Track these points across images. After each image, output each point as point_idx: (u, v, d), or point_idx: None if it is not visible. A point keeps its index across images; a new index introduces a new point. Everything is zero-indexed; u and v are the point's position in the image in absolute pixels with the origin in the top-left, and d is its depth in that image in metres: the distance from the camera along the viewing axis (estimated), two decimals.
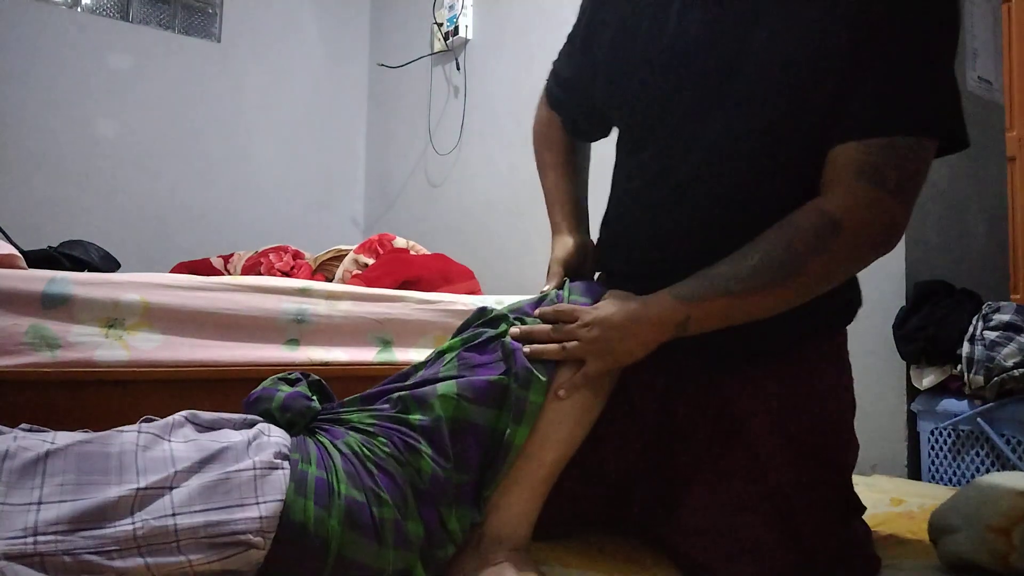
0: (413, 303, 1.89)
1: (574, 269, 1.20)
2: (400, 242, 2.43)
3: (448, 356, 1.06)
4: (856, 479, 1.16)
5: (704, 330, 0.96)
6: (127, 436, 0.88)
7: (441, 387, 1.00)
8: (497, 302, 1.70)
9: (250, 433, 0.93)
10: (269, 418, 0.99)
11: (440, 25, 3.52)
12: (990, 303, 1.88)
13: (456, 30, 3.41)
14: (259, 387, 1.05)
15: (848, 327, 2.08)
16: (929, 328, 1.87)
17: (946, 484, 1.86)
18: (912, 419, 1.96)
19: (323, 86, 4.13)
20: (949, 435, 1.87)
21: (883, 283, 2.02)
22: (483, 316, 1.11)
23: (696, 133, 1.02)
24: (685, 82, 1.03)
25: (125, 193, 3.48)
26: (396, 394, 1.03)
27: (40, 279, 1.49)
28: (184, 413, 0.96)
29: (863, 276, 2.03)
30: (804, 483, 1.03)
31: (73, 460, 0.83)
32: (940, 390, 1.89)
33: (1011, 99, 3.23)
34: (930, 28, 0.93)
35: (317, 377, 1.12)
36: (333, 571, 0.88)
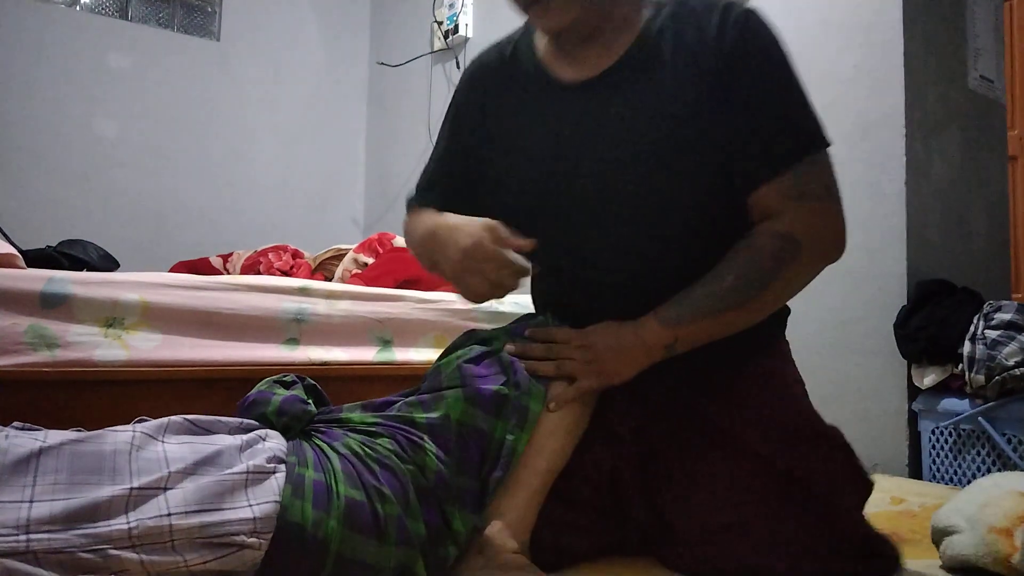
0: (413, 302, 1.89)
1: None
2: (400, 241, 2.42)
3: (446, 370, 1.07)
4: None
5: (689, 348, 1.04)
6: (121, 436, 0.88)
7: (450, 392, 1.03)
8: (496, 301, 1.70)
9: (245, 437, 0.93)
10: (265, 422, 0.99)
11: (440, 24, 3.51)
12: (991, 302, 1.88)
13: (456, 28, 3.41)
14: (254, 390, 1.05)
15: (848, 327, 2.08)
16: (930, 327, 1.86)
17: (947, 483, 1.86)
18: (913, 418, 1.96)
19: (323, 84, 4.13)
20: (950, 434, 1.87)
21: (884, 282, 2.02)
22: (472, 337, 1.15)
23: (596, 219, 1.11)
24: (581, 175, 1.11)
25: (124, 192, 3.48)
26: (400, 401, 1.06)
27: (39, 279, 1.48)
28: (179, 416, 0.96)
29: (863, 276, 2.04)
30: (805, 458, 1.07)
31: (66, 459, 0.82)
32: (941, 389, 1.89)
33: (1013, 98, 3.23)
34: (778, 58, 1.06)
35: (312, 381, 1.12)
36: (333, 571, 0.88)
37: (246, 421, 0.99)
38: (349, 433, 1.00)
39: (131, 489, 0.81)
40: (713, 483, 1.07)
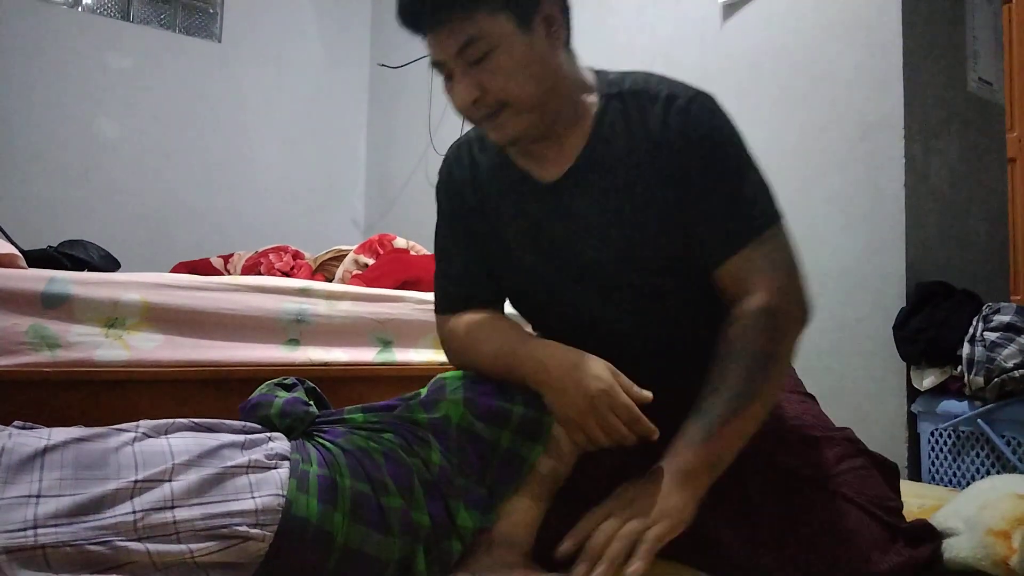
0: (413, 303, 1.89)
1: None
2: (400, 242, 2.43)
3: (449, 379, 1.09)
4: None
5: (730, 461, 1.00)
6: (125, 433, 0.89)
7: (450, 395, 1.05)
8: None
9: (249, 436, 0.93)
10: (268, 424, 0.99)
11: None
12: (990, 304, 1.88)
13: None
14: (255, 393, 1.06)
15: (847, 329, 2.08)
16: (929, 329, 1.87)
17: (946, 485, 1.86)
18: (912, 420, 1.96)
19: (323, 86, 4.13)
20: (949, 436, 1.87)
21: (883, 284, 2.02)
22: None
23: (589, 307, 1.14)
24: (568, 270, 1.14)
25: (125, 193, 3.48)
26: (402, 404, 1.07)
27: (40, 279, 1.49)
28: (183, 419, 0.97)
29: (862, 277, 2.04)
30: (835, 460, 1.09)
31: (71, 456, 0.83)
32: (940, 391, 1.89)
33: (1011, 100, 3.23)
34: (723, 142, 1.07)
35: (312, 384, 1.12)
36: (339, 563, 0.89)
37: (249, 424, 0.99)
38: (353, 431, 1.01)
39: (135, 482, 0.82)
40: (726, 484, 1.08)
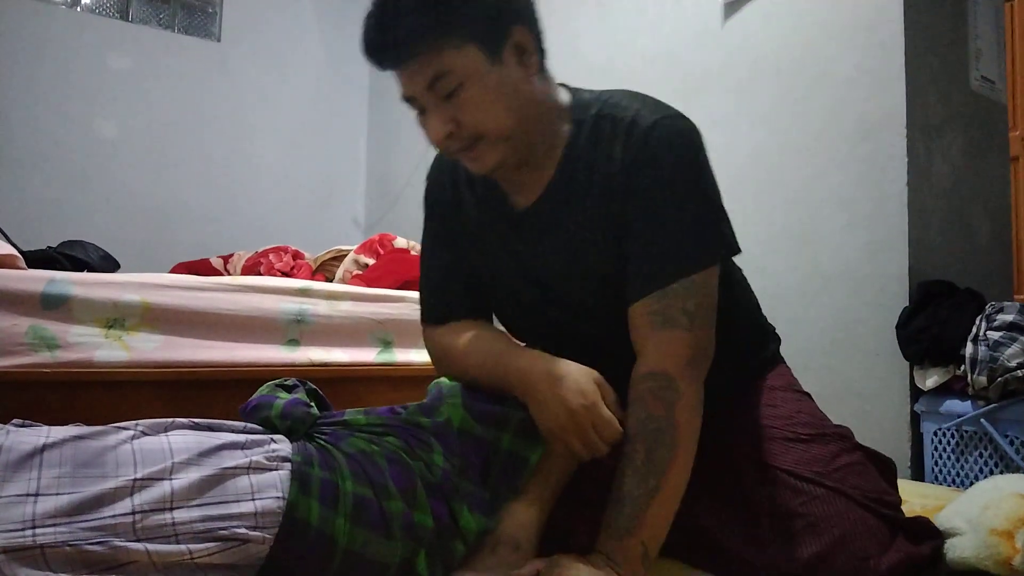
0: (414, 304, 1.88)
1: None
2: (401, 242, 2.42)
3: (446, 386, 1.11)
4: None
5: (661, 540, 0.98)
6: (124, 432, 0.88)
7: (450, 399, 1.06)
8: None
9: (250, 437, 0.93)
10: (268, 426, 0.99)
11: None
12: (993, 303, 1.87)
13: None
14: (256, 395, 1.05)
15: (850, 329, 2.08)
16: (932, 328, 1.86)
17: (949, 485, 1.85)
18: (915, 420, 1.95)
19: (324, 85, 4.13)
20: (952, 436, 1.86)
21: (886, 283, 2.02)
22: None
23: (564, 326, 1.15)
24: (548, 296, 1.14)
25: (125, 193, 3.48)
26: (403, 411, 1.08)
27: (40, 279, 1.48)
28: (183, 419, 0.96)
29: (865, 277, 2.03)
30: (830, 457, 1.09)
31: (69, 453, 0.82)
32: (943, 391, 1.89)
33: (1014, 98, 3.22)
34: (671, 174, 1.03)
35: (313, 385, 1.12)
36: (340, 566, 0.89)
37: (250, 425, 0.99)
38: (355, 433, 1.01)
39: (135, 480, 0.81)
40: (724, 483, 1.08)
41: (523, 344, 1.23)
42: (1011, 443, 1.76)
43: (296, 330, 1.73)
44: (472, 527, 0.99)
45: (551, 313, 1.15)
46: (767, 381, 1.21)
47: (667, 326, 1.01)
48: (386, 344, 1.84)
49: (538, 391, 1.02)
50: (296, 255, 2.61)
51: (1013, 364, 1.72)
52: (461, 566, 0.99)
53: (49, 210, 3.24)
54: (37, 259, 1.86)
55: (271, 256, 2.59)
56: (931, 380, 1.89)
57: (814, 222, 2.18)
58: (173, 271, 2.55)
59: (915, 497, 1.52)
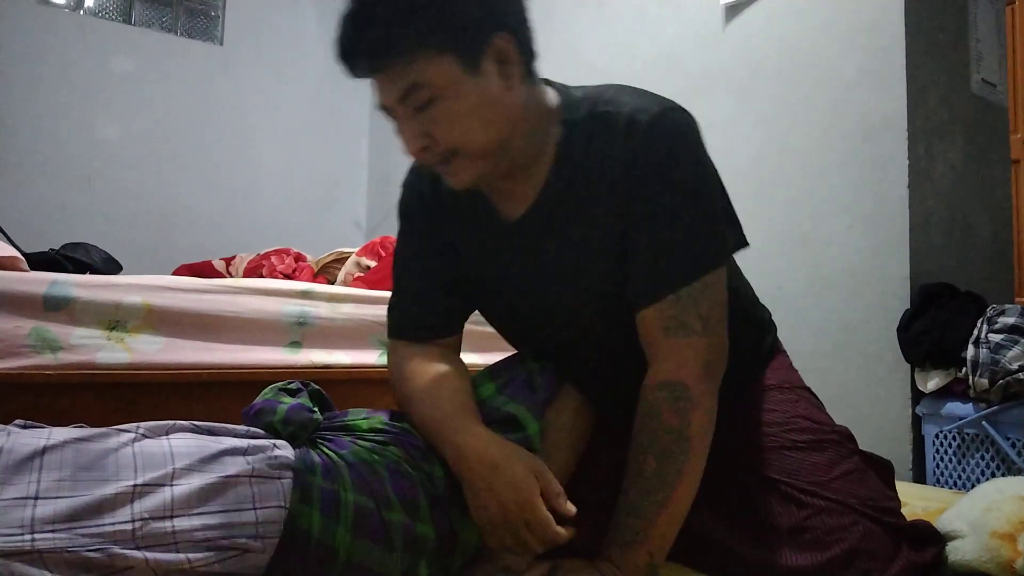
0: None
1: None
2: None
3: None
4: None
5: (666, 551, 0.97)
6: (125, 435, 0.87)
7: None
8: None
9: (252, 442, 0.93)
10: (271, 431, 0.99)
11: None
12: (995, 306, 1.87)
13: None
14: (259, 398, 1.05)
15: (851, 331, 2.08)
16: (934, 331, 1.86)
17: (951, 488, 1.85)
18: (917, 422, 1.95)
19: (325, 88, 4.13)
20: (954, 438, 1.86)
21: (887, 286, 2.02)
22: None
23: (560, 339, 1.12)
24: (538, 307, 1.11)
25: (127, 195, 3.48)
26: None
27: (42, 281, 1.48)
28: (184, 421, 0.96)
29: (866, 279, 2.03)
30: (831, 460, 1.08)
31: (70, 456, 0.82)
32: (945, 393, 1.89)
33: (1015, 101, 3.22)
34: (674, 172, 0.98)
35: (317, 387, 1.11)
36: None
37: (252, 429, 0.98)
38: (357, 441, 1.00)
39: (135, 486, 0.81)
40: (728, 490, 1.08)
41: (520, 345, 1.22)
42: (1012, 445, 1.76)
43: (298, 332, 1.73)
44: (473, 540, 0.99)
45: (549, 324, 1.11)
46: (765, 379, 1.19)
47: (681, 333, 0.97)
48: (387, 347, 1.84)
49: (471, 478, 0.95)
50: (298, 257, 2.62)
51: (1014, 367, 1.72)
52: (462, 572, 0.99)
53: (51, 212, 3.24)
54: (40, 261, 1.87)
55: (273, 258, 2.59)
56: (932, 383, 1.89)
57: (815, 224, 2.18)
58: (175, 273, 2.56)
59: (916, 500, 1.52)
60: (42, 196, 3.27)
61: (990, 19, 2.34)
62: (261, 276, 2.47)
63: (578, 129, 1.02)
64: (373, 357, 1.81)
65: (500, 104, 0.96)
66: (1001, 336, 1.77)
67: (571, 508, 0.94)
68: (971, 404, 1.83)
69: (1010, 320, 1.79)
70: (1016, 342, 1.75)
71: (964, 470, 1.85)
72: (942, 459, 1.89)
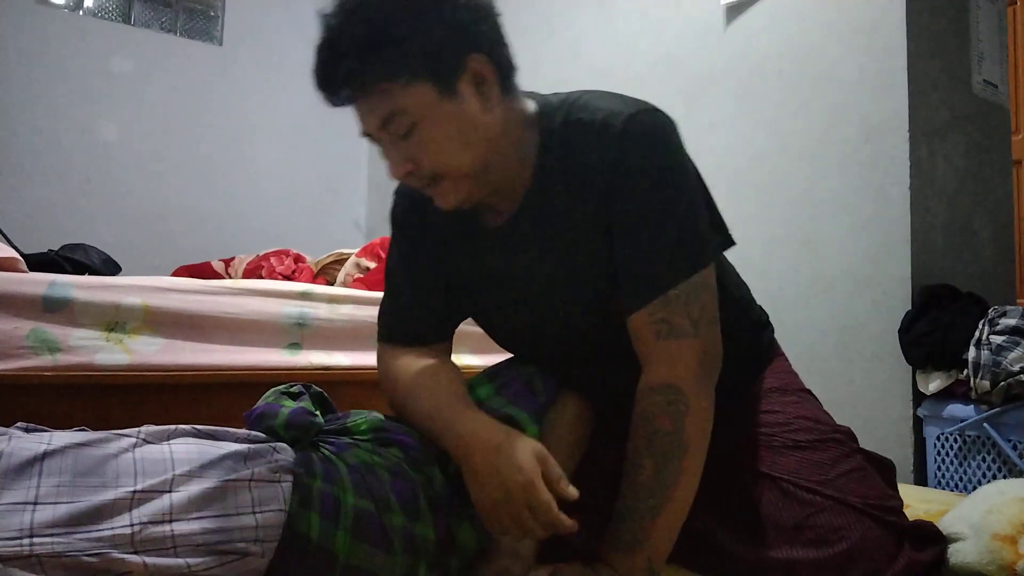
0: None
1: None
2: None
3: None
4: None
5: (668, 551, 0.97)
6: (126, 440, 0.87)
7: None
8: None
9: (253, 446, 0.92)
10: (273, 435, 0.99)
11: None
12: (996, 307, 1.87)
13: None
14: (261, 402, 1.04)
15: (852, 333, 2.07)
16: (935, 333, 1.86)
17: (952, 490, 1.85)
18: (918, 424, 1.95)
19: None
20: (955, 440, 1.86)
21: (888, 287, 2.02)
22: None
23: (546, 345, 1.13)
24: (520, 313, 1.12)
25: (126, 196, 3.48)
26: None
27: (41, 283, 1.48)
28: (186, 425, 0.95)
29: (867, 281, 2.03)
30: (830, 461, 1.08)
31: (70, 461, 0.82)
32: (946, 395, 1.88)
33: (1016, 102, 3.22)
34: (654, 175, 0.98)
35: (319, 390, 1.11)
36: None
37: (254, 433, 0.98)
38: (357, 443, 1.00)
39: (135, 492, 0.81)
40: (729, 490, 1.08)
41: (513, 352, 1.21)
42: (1014, 447, 1.76)
43: (297, 333, 1.73)
44: (471, 544, 0.99)
45: (539, 330, 1.11)
46: (765, 382, 1.19)
47: (673, 335, 0.97)
48: None
49: (472, 461, 0.94)
50: (297, 258, 2.61)
51: (1016, 368, 1.72)
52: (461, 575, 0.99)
53: (50, 213, 3.24)
54: (39, 262, 1.87)
55: (272, 259, 2.58)
56: (934, 384, 1.89)
57: (816, 225, 2.18)
58: (174, 274, 2.55)
59: (918, 502, 1.52)
60: (41, 197, 3.27)
61: (991, 20, 2.34)
62: (260, 277, 2.46)
63: (555, 137, 1.03)
64: (373, 358, 1.79)
65: (480, 125, 0.97)
66: (1003, 338, 1.77)
67: (573, 492, 0.93)
68: (972, 406, 1.82)
69: (1012, 322, 1.79)
70: (1018, 344, 1.75)
71: (965, 472, 1.84)
72: (943, 461, 1.88)
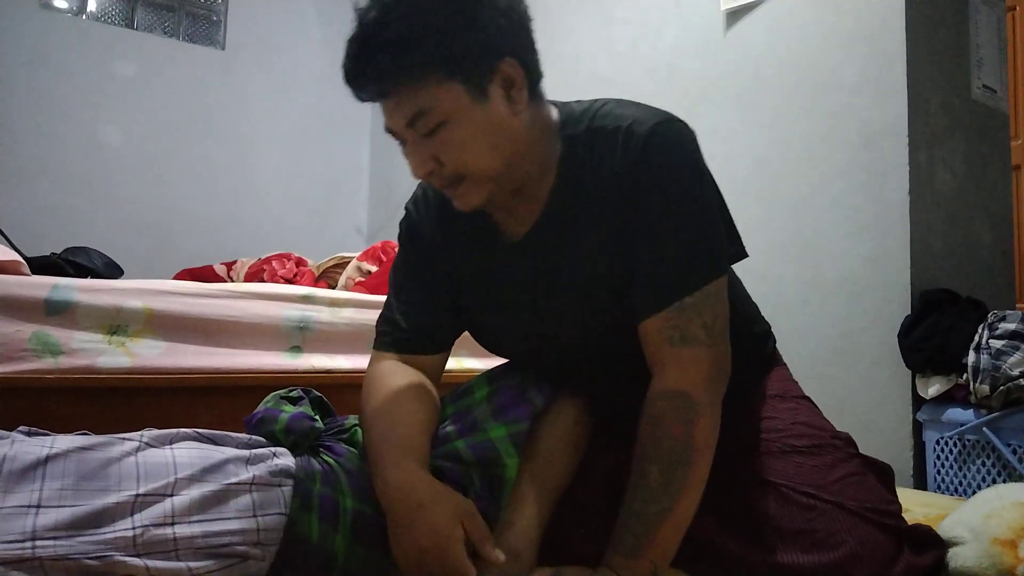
0: None
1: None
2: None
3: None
4: None
5: (669, 560, 0.97)
6: (128, 444, 0.88)
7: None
8: None
9: (254, 451, 0.93)
10: (273, 440, 0.99)
11: None
12: (996, 312, 1.87)
13: None
14: (261, 407, 1.05)
15: (852, 337, 2.08)
16: (935, 337, 1.86)
17: (952, 494, 1.85)
18: (918, 428, 1.95)
19: (327, 92, 4.13)
20: (955, 445, 1.86)
21: (888, 292, 2.02)
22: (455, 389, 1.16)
23: (564, 362, 1.11)
24: (538, 327, 1.11)
25: (129, 200, 3.49)
26: None
27: (43, 286, 1.49)
28: (188, 429, 0.96)
29: (867, 285, 2.04)
30: (827, 466, 1.08)
31: (73, 465, 0.82)
32: (946, 399, 1.88)
33: (1016, 107, 3.23)
34: (673, 183, 0.98)
35: (319, 394, 1.12)
36: None
37: (254, 438, 0.99)
38: (356, 447, 1.01)
39: (136, 495, 0.81)
40: (730, 496, 1.07)
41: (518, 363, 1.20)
42: (1014, 452, 1.76)
43: (299, 337, 1.74)
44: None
45: (553, 339, 1.11)
46: (765, 389, 1.19)
47: (685, 343, 0.97)
48: None
49: (394, 514, 0.92)
50: (299, 262, 2.62)
51: (1015, 373, 1.72)
52: None
53: (53, 216, 3.25)
54: (41, 265, 1.87)
55: (274, 263, 2.59)
56: (933, 389, 1.89)
57: (816, 231, 2.18)
58: (176, 278, 2.56)
59: (918, 506, 1.52)
60: (44, 200, 3.28)
61: (990, 25, 2.35)
62: (262, 280, 2.47)
63: (578, 144, 1.03)
64: None
65: (507, 128, 0.97)
66: (1002, 342, 1.77)
67: (498, 556, 0.91)
68: (972, 410, 1.82)
69: (1011, 326, 1.79)
70: (1017, 348, 1.75)
71: (965, 476, 1.84)
72: (943, 465, 1.88)
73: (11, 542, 0.73)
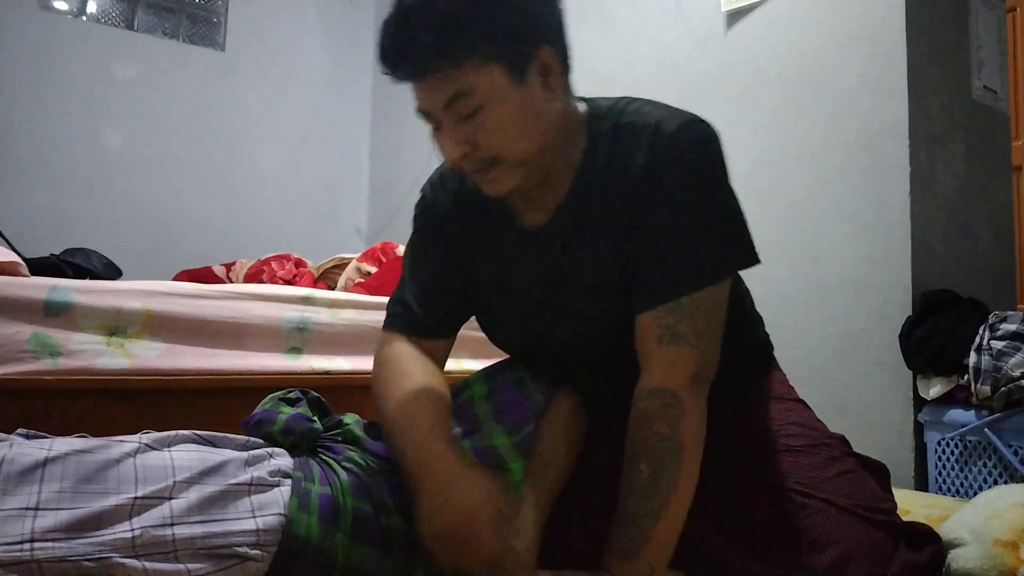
0: None
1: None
2: (403, 251, 2.42)
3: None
4: None
5: (667, 560, 0.97)
6: (127, 446, 0.88)
7: None
8: None
9: (252, 452, 0.93)
10: (271, 441, 0.99)
11: None
12: (997, 313, 1.87)
13: None
14: (259, 408, 1.05)
15: (853, 338, 2.07)
16: (936, 338, 1.86)
17: (953, 495, 1.84)
18: (919, 429, 1.95)
19: (327, 94, 4.14)
20: (956, 446, 1.86)
21: (889, 293, 2.02)
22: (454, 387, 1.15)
23: (575, 357, 1.11)
24: (543, 319, 1.11)
25: (128, 201, 3.49)
26: None
27: (42, 287, 1.49)
28: (186, 431, 0.96)
29: (868, 286, 2.03)
30: (821, 467, 1.08)
31: (72, 468, 0.82)
32: (947, 400, 1.88)
33: (1016, 108, 3.22)
34: (692, 181, 0.99)
35: (317, 395, 1.12)
36: None
37: (252, 439, 0.99)
38: (354, 446, 1.01)
39: (135, 498, 0.81)
40: (723, 499, 1.07)
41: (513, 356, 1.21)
42: (1015, 453, 1.75)
43: (298, 338, 1.73)
44: None
45: (560, 331, 1.11)
46: (760, 391, 1.20)
47: (675, 342, 0.97)
48: None
49: (424, 492, 0.92)
50: (298, 263, 2.62)
51: (1017, 374, 1.71)
52: None
53: (53, 218, 3.25)
54: (40, 266, 1.87)
55: (273, 264, 2.59)
56: (934, 390, 1.88)
57: (816, 231, 2.18)
58: (176, 279, 2.55)
59: (919, 507, 1.52)
60: (43, 201, 3.28)
61: (991, 26, 2.35)
62: (261, 282, 2.47)
63: (604, 139, 1.03)
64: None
65: (542, 114, 0.98)
66: (1003, 343, 1.77)
67: (523, 549, 0.93)
68: (973, 411, 1.82)
69: (1012, 327, 1.79)
70: (1018, 349, 1.74)
71: (966, 478, 1.84)
72: (944, 466, 1.88)
73: (9, 544, 0.73)
